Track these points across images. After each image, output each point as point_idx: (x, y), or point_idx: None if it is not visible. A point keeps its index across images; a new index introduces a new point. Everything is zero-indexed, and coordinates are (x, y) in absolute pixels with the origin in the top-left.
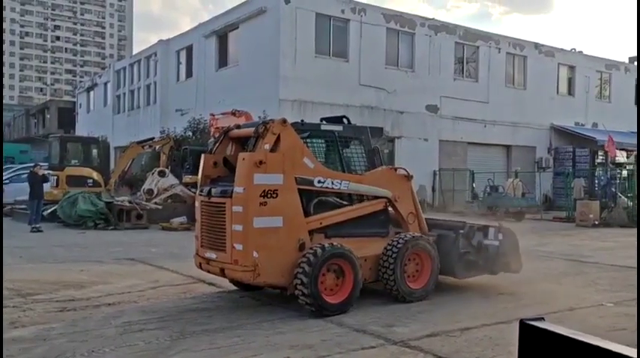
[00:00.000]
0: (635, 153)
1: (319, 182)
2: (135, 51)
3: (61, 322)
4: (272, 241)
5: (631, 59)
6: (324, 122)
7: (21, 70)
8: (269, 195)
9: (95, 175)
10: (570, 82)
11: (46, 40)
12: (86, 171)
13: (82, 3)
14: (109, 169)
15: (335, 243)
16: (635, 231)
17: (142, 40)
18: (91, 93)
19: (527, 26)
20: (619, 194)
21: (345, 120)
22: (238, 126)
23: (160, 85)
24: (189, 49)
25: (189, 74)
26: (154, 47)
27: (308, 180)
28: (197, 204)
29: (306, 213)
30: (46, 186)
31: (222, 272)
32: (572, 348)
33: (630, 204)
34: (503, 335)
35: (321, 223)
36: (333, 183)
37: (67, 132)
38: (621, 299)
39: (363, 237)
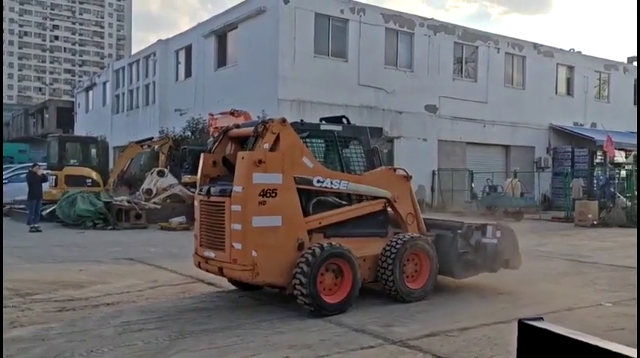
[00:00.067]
0: (633, 153)
1: (318, 182)
2: (134, 51)
3: (59, 322)
4: (271, 240)
5: (630, 59)
6: (323, 122)
7: (20, 70)
8: (268, 195)
9: (94, 175)
10: (569, 82)
11: (44, 40)
12: (85, 171)
13: (80, 3)
14: (107, 169)
15: (334, 243)
16: (634, 231)
17: (140, 40)
18: (90, 92)
19: (526, 26)
20: (618, 194)
21: (344, 120)
22: (238, 126)
23: (159, 84)
24: (188, 49)
25: (188, 74)
26: (152, 47)
27: (307, 180)
28: (196, 203)
29: (305, 213)
30: (45, 186)
31: (220, 272)
32: (571, 348)
33: (629, 204)
34: (502, 334)
35: (320, 223)
36: (332, 182)
37: (65, 132)
38: (620, 299)
39: (362, 237)
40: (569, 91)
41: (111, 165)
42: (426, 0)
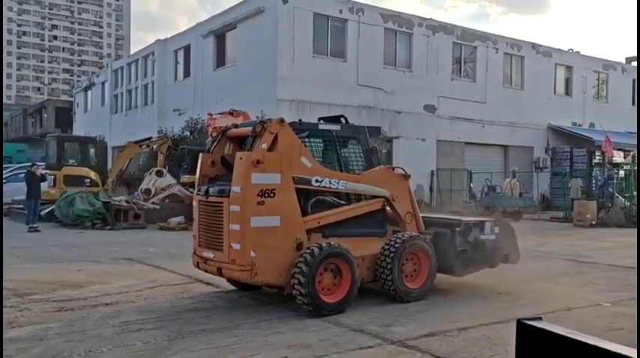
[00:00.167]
0: (632, 153)
1: (317, 181)
2: (132, 50)
3: (58, 322)
4: (269, 240)
5: (628, 59)
6: (321, 122)
7: (18, 70)
8: (266, 195)
9: (93, 175)
10: (568, 82)
11: (43, 40)
12: (84, 171)
13: (79, 2)
14: (106, 169)
15: (332, 243)
16: (632, 231)
17: (139, 40)
18: (89, 92)
19: (524, 26)
20: (616, 194)
21: (342, 119)
22: (236, 126)
23: (158, 84)
24: (186, 49)
25: (186, 74)
26: (151, 47)
27: (305, 180)
28: (194, 203)
29: (304, 213)
30: (44, 186)
31: (219, 272)
32: (570, 348)
33: (627, 204)
34: (501, 334)
35: (318, 222)
36: (330, 182)
37: (64, 132)
38: (618, 299)
39: (360, 237)
40: (568, 91)
41: (109, 165)
42: (424, 0)
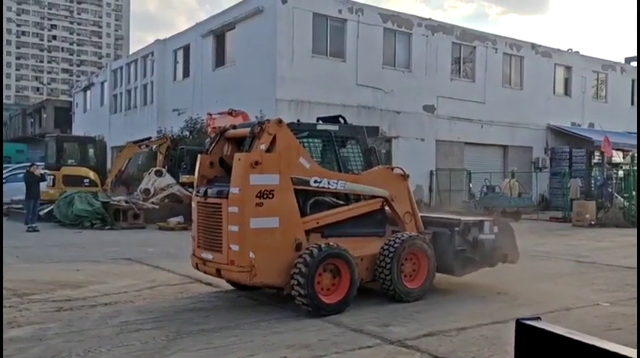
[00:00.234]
0: (631, 153)
1: (315, 182)
2: (132, 50)
3: (57, 322)
4: (268, 241)
5: (627, 59)
6: (320, 122)
7: (17, 69)
8: (265, 196)
9: (92, 175)
10: (567, 83)
11: (42, 40)
12: (83, 171)
13: (78, 2)
14: (105, 169)
15: (331, 243)
16: (631, 231)
17: (138, 40)
18: (88, 92)
19: (523, 26)
20: (615, 194)
21: (341, 119)
22: (234, 127)
23: (157, 84)
24: (186, 49)
25: (186, 74)
26: (150, 47)
27: (304, 180)
28: (193, 204)
29: (303, 213)
30: (43, 186)
31: (218, 273)
32: (569, 348)
33: (626, 204)
34: (500, 334)
35: (317, 223)
36: (329, 182)
37: (63, 132)
38: (617, 299)
39: (359, 237)
40: (567, 91)
41: (109, 165)
42: (424, 0)
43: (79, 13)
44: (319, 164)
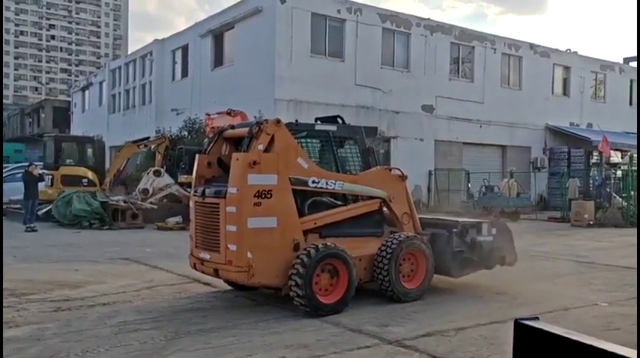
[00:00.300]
0: (629, 153)
1: (313, 182)
2: (130, 50)
3: (55, 322)
4: (266, 241)
5: (625, 60)
6: (318, 122)
7: (16, 69)
8: (263, 196)
9: (90, 175)
10: (565, 83)
11: (41, 39)
12: (81, 171)
13: (77, 2)
14: (104, 169)
15: (329, 243)
16: (630, 231)
17: (137, 40)
18: (86, 92)
19: (522, 27)
20: (614, 194)
21: (339, 119)
22: (232, 127)
23: (156, 84)
24: (184, 49)
25: (184, 74)
26: (149, 46)
27: (302, 181)
28: (191, 204)
29: (301, 214)
30: (41, 186)
31: (216, 273)
32: (567, 348)
33: (625, 204)
34: (498, 334)
35: (315, 223)
36: (327, 183)
37: (62, 132)
38: (616, 299)
39: (357, 237)
40: (566, 92)
41: (107, 165)
42: (422, 0)
43: (77, 13)
44: (317, 164)
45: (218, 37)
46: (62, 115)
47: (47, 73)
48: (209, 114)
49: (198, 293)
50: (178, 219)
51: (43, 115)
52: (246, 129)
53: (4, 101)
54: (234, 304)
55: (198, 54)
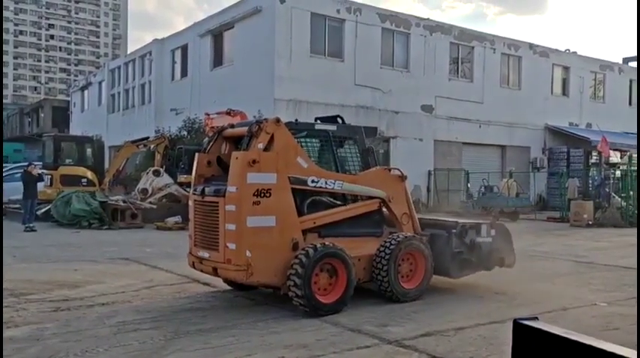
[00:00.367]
0: (628, 153)
1: (313, 182)
2: (129, 50)
3: (54, 322)
4: (265, 240)
5: (625, 60)
6: (318, 122)
7: (15, 69)
8: (262, 195)
9: (89, 174)
10: (564, 83)
11: (40, 39)
12: (80, 171)
13: (76, 2)
14: (103, 168)
15: (327, 243)
16: (629, 231)
17: (136, 39)
18: (86, 92)
19: (521, 27)
20: (613, 194)
21: (339, 119)
22: (232, 126)
23: (155, 84)
24: (184, 49)
25: (184, 73)
26: (148, 46)
27: (301, 180)
28: (190, 203)
29: (300, 213)
30: (40, 186)
31: (215, 272)
32: (566, 348)
33: (624, 204)
34: (497, 334)
35: (314, 223)
36: (326, 182)
37: (61, 131)
38: (615, 299)
39: (356, 237)
40: (565, 92)
41: (106, 165)
42: (422, 0)
43: (76, 13)
44: (317, 164)
45: (217, 37)
46: (61, 115)
47: (46, 72)
48: (208, 114)
49: (198, 293)
50: (178, 218)
51: (42, 115)
52: (245, 128)
53: (3, 100)
54: (233, 304)
55: (197, 54)
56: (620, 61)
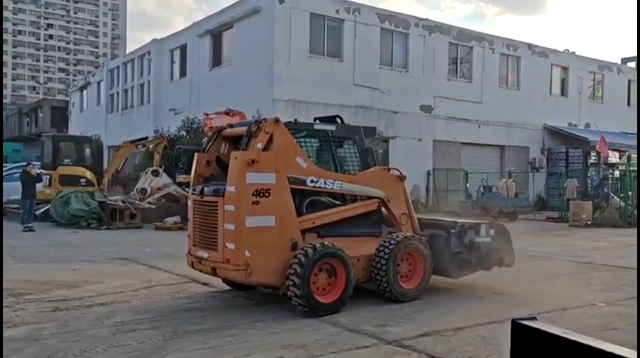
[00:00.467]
0: (627, 153)
1: (312, 182)
2: (128, 50)
3: (53, 322)
4: (264, 240)
5: (624, 60)
6: (317, 122)
7: (14, 69)
8: (261, 194)
9: (88, 174)
10: (563, 83)
11: (39, 39)
12: (79, 171)
13: (75, 2)
14: (102, 168)
15: (326, 243)
16: (628, 231)
17: (135, 39)
18: (84, 92)
19: (520, 27)
20: (611, 194)
21: (338, 119)
22: (231, 126)
23: (154, 84)
24: (183, 49)
25: (183, 73)
26: (147, 46)
27: (301, 180)
28: (189, 203)
29: (299, 213)
30: (39, 186)
31: (213, 272)
32: (564, 348)
33: (623, 204)
34: (496, 334)
35: (313, 223)
36: (326, 182)
37: (59, 131)
38: (614, 299)
39: (355, 237)
40: (564, 92)
41: (105, 165)
42: (420, 0)
43: (75, 13)
44: (316, 164)
45: (216, 37)
46: (60, 115)
47: (45, 72)
48: (207, 114)
49: (197, 293)
50: (176, 218)
51: (41, 115)
52: (244, 128)
53: (3, 100)
54: (232, 304)
55: (196, 54)
56: (619, 62)
